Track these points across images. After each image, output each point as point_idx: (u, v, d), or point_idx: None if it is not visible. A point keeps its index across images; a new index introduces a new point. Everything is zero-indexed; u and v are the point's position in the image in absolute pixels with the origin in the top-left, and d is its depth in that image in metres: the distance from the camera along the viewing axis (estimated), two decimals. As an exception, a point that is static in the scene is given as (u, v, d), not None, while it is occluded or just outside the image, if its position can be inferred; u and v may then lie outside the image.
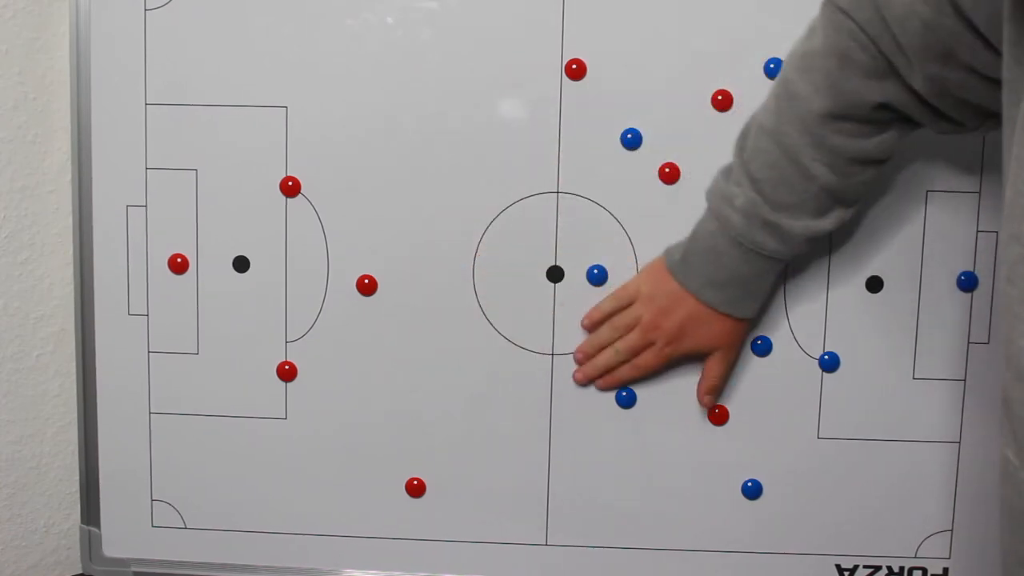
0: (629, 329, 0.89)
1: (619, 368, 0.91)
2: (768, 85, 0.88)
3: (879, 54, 0.70)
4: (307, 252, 0.94)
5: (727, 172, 0.82)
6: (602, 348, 0.91)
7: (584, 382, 0.93)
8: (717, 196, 0.81)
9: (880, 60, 0.70)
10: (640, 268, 0.92)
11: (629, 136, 0.90)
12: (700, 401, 0.91)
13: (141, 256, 0.95)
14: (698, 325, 0.85)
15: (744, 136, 0.80)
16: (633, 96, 0.90)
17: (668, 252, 0.87)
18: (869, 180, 0.78)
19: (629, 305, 0.89)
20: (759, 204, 0.78)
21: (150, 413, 0.97)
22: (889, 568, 0.96)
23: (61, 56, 0.97)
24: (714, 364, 0.89)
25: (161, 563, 1.00)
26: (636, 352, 0.89)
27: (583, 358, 0.92)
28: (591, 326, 0.91)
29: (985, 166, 0.90)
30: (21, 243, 0.99)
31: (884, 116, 0.74)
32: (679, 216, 0.91)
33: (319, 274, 0.94)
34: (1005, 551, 0.61)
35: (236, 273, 0.95)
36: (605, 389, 0.93)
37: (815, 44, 0.74)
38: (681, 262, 0.84)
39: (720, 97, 0.89)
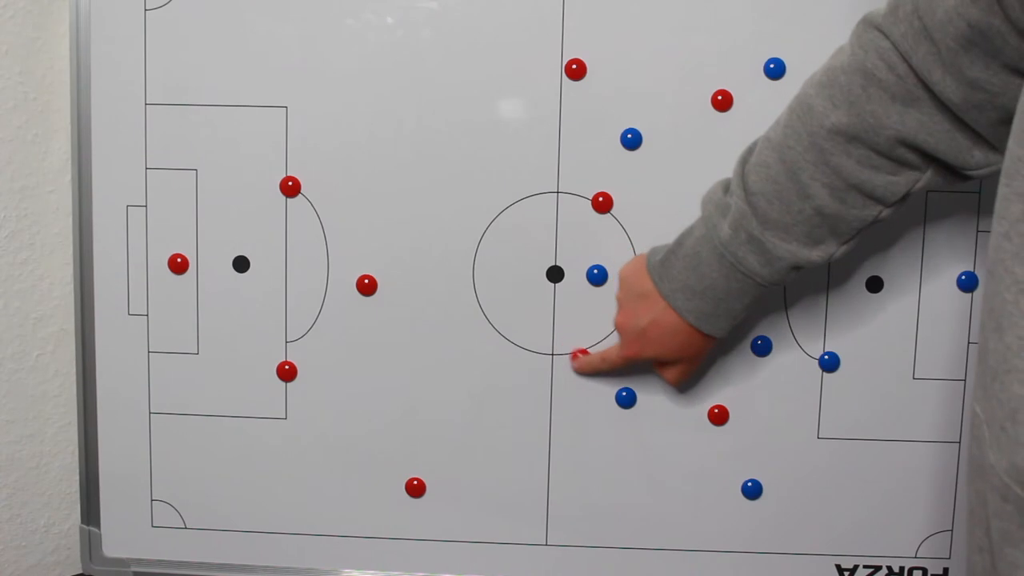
0: None
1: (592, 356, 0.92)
2: (768, 85, 0.88)
3: (909, 73, 0.68)
4: (307, 252, 0.94)
5: (726, 184, 0.80)
6: None
7: (576, 368, 0.94)
8: (710, 204, 0.80)
9: (909, 81, 0.68)
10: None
11: (629, 136, 0.90)
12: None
13: (141, 256, 0.95)
14: (663, 333, 0.83)
15: (749, 150, 0.78)
16: (633, 96, 0.90)
17: (652, 252, 0.85)
18: (866, 219, 0.75)
19: None
20: (748, 217, 0.76)
21: (150, 413, 0.97)
22: (889, 568, 0.96)
23: (61, 56, 0.97)
24: (670, 374, 0.88)
25: (161, 563, 1.00)
26: None
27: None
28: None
29: (985, 166, 0.90)
30: (21, 243, 0.99)
31: (899, 154, 0.71)
32: (679, 216, 0.91)
33: (319, 274, 0.94)
34: (968, 500, 0.64)
35: (236, 273, 0.95)
36: (577, 369, 0.94)
37: (841, 61, 0.72)
38: (660, 264, 0.83)
39: (720, 97, 0.89)
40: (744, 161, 0.78)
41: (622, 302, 0.87)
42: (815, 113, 0.72)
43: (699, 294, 0.80)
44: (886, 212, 0.75)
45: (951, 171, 0.73)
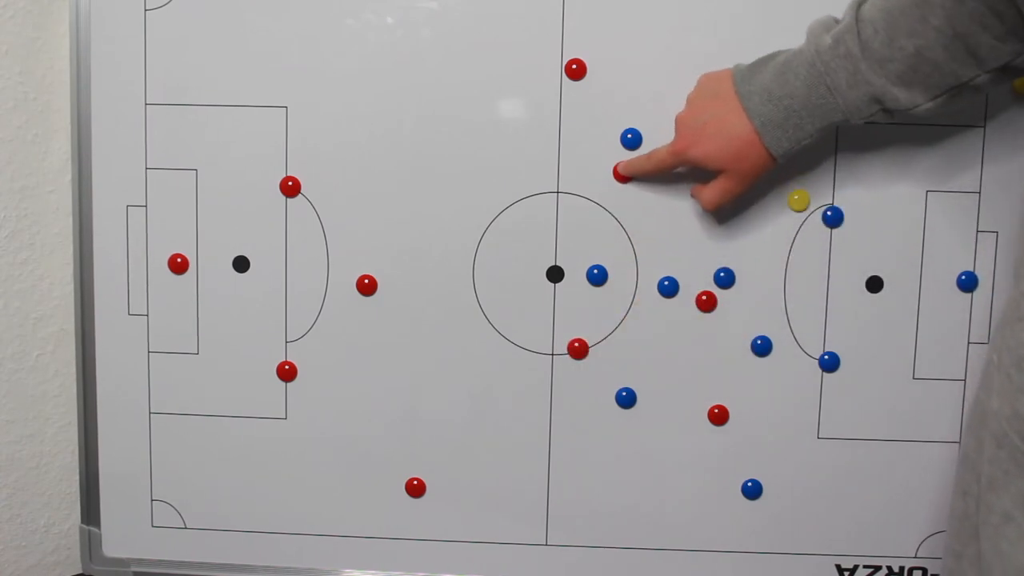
0: None
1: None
2: (768, 85, 0.88)
3: None
4: (307, 252, 0.94)
5: (837, 18, 0.80)
6: None
7: (618, 174, 0.91)
8: (816, 24, 0.79)
9: None
10: (640, 268, 0.92)
11: (629, 136, 0.90)
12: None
13: (141, 256, 0.95)
14: (723, 131, 0.81)
15: None
16: (633, 96, 0.90)
17: (739, 63, 0.83)
18: (961, 77, 0.74)
19: None
20: (853, 37, 0.75)
21: (150, 413, 0.97)
22: (889, 568, 0.96)
23: (61, 56, 0.97)
24: (711, 190, 0.84)
25: (161, 563, 1.00)
26: None
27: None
28: None
29: (985, 166, 0.90)
30: (21, 243, 0.99)
31: (1010, 17, 0.71)
32: (679, 216, 0.91)
33: (319, 274, 0.94)
34: (963, 448, 0.65)
35: (236, 273, 0.95)
36: (621, 173, 0.91)
37: None
38: (748, 68, 0.82)
39: (720, 97, 0.89)
40: (860, 1, 0.77)
41: (692, 100, 0.85)
42: None
43: (776, 100, 0.79)
44: (982, 78, 0.74)
45: None
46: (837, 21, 0.79)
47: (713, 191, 0.85)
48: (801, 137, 0.80)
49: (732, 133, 0.81)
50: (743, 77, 0.81)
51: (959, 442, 0.94)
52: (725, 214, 0.91)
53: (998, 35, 0.72)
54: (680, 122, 0.85)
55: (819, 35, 0.78)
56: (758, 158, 0.81)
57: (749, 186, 0.84)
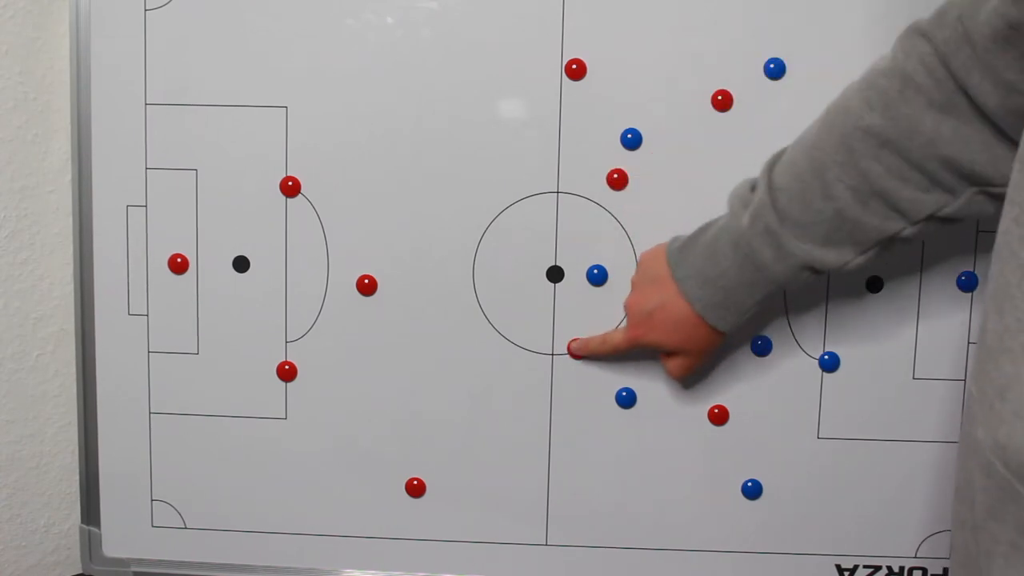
0: None
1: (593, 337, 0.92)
2: (768, 85, 0.88)
3: (948, 78, 0.67)
4: (307, 252, 0.94)
5: (753, 181, 0.79)
6: None
7: (572, 352, 0.94)
8: (735, 197, 0.79)
9: (947, 86, 0.67)
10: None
11: (629, 136, 0.90)
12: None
13: (141, 256, 0.95)
14: (669, 319, 0.82)
15: (781, 151, 0.77)
16: (633, 96, 0.90)
17: (673, 239, 0.84)
18: (886, 231, 0.73)
19: None
20: (768, 210, 0.75)
21: (150, 413, 0.97)
22: (889, 568, 0.96)
23: (61, 56, 0.97)
24: (672, 365, 0.87)
25: (161, 563, 1.00)
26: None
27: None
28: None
29: (985, 166, 0.90)
30: (21, 243, 0.99)
31: (932, 169, 0.70)
32: (679, 216, 0.91)
33: (319, 274, 0.94)
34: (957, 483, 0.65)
35: (236, 273, 0.95)
36: (574, 352, 0.93)
37: (882, 65, 0.71)
38: (679, 250, 0.82)
39: (720, 97, 0.89)
40: (774, 161, 0.77)
41: (636, 284, 0.86)
42: (851, 113, 0.71)
43: (711, 282, 0.79)
44: (910, 230, 0.73)
45: (990, 196, 0.71)
46: (753, 187, 0.78)
47: (676, 367, 0.87)
48: (743, 310, 0.80)
49: (678, 318, 0.82)
50: (676, 261, 0.82)
51: (959, 442, 0.93)
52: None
53: (919, 186, 0.71)
54: (628, 309, 0.87)
55: (738, 212, 0.78)
56: (707, 336, 0.83)
57: (709, 356, 0.88)
